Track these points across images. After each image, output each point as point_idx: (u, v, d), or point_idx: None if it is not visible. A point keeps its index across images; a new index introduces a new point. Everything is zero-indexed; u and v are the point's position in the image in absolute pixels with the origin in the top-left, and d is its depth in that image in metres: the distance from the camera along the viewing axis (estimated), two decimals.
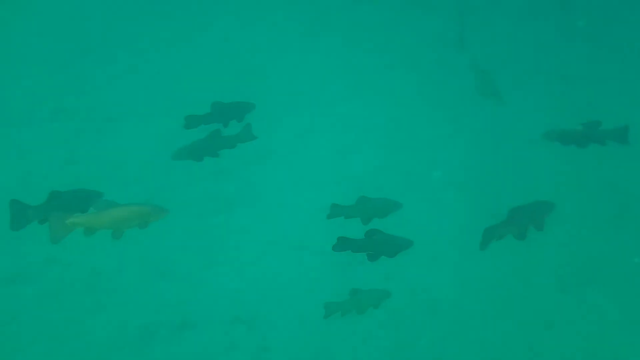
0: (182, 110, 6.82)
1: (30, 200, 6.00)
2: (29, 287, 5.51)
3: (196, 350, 5.23)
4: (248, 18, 7.47)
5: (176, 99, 6.81)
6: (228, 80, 6.89)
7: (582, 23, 6.72)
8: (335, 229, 5.91)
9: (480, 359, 4.94)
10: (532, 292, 5.26)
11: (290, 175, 6.27)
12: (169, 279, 5.61)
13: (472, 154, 6.07)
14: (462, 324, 5.12)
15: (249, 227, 5.88)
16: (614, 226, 5.56)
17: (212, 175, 6.26)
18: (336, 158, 6.38)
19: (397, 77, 5.79)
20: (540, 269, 5.31)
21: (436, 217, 5.31)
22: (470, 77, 6.32)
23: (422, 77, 5.99)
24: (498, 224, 4.18)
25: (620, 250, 5.49)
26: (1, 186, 6.00)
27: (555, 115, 6.44)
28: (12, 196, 4.10)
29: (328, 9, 7.49)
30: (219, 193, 6.10)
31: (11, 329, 5.23)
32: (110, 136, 6.54)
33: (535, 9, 7.41)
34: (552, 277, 5.35)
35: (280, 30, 7.38)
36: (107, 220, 3.82)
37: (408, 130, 6.31)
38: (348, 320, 5.31)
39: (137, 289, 5.56)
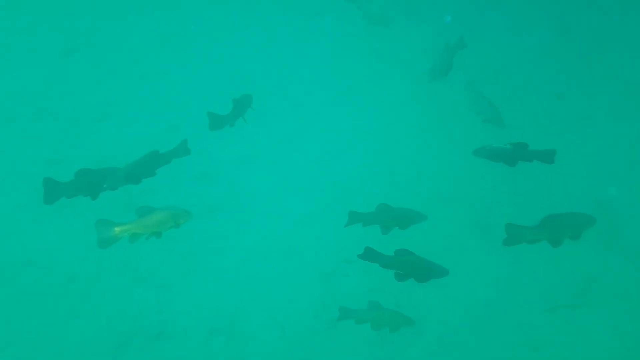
0: (168, 113, 6.57)
1: (6, 202, 5.69)
2: (3, 289, 5.12)
3: None
4: (238, 22, 7.14)
5: (163, 102, 6.47)
6: (215, 84, 6.55)
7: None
8: (321, 237, 5.62)
9: None
10: (520, 313, 4.94)
11: (276, 181, 5.93)
12: (146, 285, 5.25)
13: (461, 166, 5.73)
14: (448, 343, 4.78)
15: (231, 233, 5.53)
16: (604, 247, 5.24)
17: (195, 180, 5.92)
18: (323, 164, 6.05)
19: (388, 85, 5.45)
20: (528, 289, 4.98)
21: (423, 229, 4.96)
22: (462, 92, 5.98)
23: (413, 85, 5.65)
24: (530, 227, 3.91)
25: (610, 273, 5.16)
26: None
27: (545, 130, 6.16)
28: None
29: (319, 14, 7.18)
30: (202, 197, 5.74)
31: None
32: (95, 138, 6.17)
33: (530, 25, 7.13)
34: (540, 298, 5.01)
35: (269, 35, 7.06)
36: (149, 224, 3.96)
37: (397, 138, 5.98)
38: (332, 334, 4.98)
39: (113, 295, 5.18)
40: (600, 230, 5.42)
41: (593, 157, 5.99)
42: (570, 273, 5.25)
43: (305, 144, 6.16)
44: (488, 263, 5.16)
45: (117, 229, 3.90)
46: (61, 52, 6.72)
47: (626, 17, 7.02)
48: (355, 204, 5.71)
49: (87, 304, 5.13)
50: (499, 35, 7.06)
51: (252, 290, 5.21)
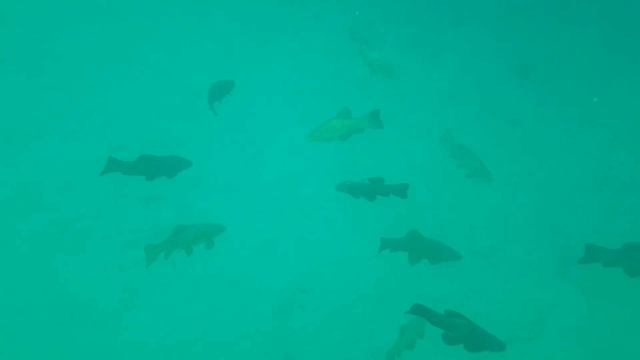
0: (114, 129, 5.73)
1: None
2: None
3: None
4: (191, 34, 6.35)
5: (108, 117, 5.63)
6: (165, 100, 5.77)
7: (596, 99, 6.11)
8: (276, 265, 4.94)
9: None
10: None
11: (229, 204, 5.20)
12: (80, 321, 4.43)
13: (421, 190, 5.21)
14: None
15: (178, 262, 4.73)
16: (558, 276, 4.82)
17: (142, 202, 5.11)
18: (280, 188, 5.38)
19: (350, 105, 4.89)
20: (485, 320, 4.45)
21: (383, 256, 4.38)
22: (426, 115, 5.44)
23: (375, 106, 5.08)
24: (608, 249, 3.86)
25: (563, 303, 4.73)
26: None
27: (500, 154, 5.75)
28: None
29: (278, 29, 6.50)
30: (148, 221, 4.95)
31: None
32: (28, 156, 5.27)
33: (488, 51, 6.75)
34: (496, 330, 4.50)
35: (227, 49, 6.32)
36: (184, 241, 4.01)
37: (357, 162, 5.38)
38: None
39: (42, 333, 4.34)
40: (554, 258, 5.02)
41: (546, 183, 5.61)
42: (524, 303, 4.79)
43: (261, 165, 5.47)
44: (444, 292, 4.63)
45: (157, 246, 3.96)
46: None
47: (581, 48, 6.79)
48: (313, 230, 5.13)
49: (10, 345, 4.23)
50: (457, 60, 6.63)
51: (200, 324, 4.48)
